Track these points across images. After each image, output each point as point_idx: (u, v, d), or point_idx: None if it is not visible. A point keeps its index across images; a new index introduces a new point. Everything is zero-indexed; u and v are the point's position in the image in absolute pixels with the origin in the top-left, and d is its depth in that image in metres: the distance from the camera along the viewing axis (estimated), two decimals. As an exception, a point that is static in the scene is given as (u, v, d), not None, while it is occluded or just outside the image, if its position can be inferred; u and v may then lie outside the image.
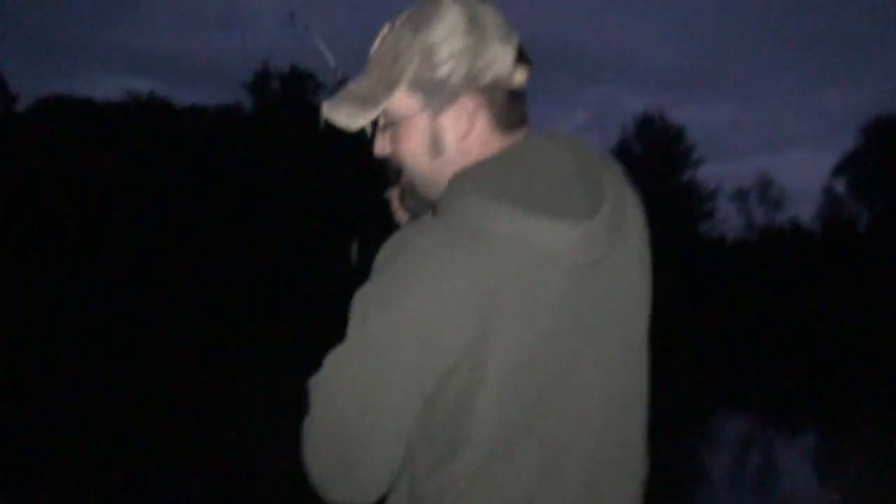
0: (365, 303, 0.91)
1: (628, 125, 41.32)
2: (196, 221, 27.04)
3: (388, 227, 1.60)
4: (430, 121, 1.02)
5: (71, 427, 6.84)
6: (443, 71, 0.98)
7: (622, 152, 37.73)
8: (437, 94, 1.00)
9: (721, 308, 26.58)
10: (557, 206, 0.94)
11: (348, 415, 0.91)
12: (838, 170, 37.96)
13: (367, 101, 1.02)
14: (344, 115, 1.03)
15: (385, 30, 1.03)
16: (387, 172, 1.67)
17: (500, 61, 0.99)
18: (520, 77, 1.01)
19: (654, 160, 37.41)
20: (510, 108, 1.02)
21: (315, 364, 0.95)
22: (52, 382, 9.07)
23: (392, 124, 1.05)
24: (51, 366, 10.28)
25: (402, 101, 1.01)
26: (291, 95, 33.77)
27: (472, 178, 0.97)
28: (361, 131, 1.71)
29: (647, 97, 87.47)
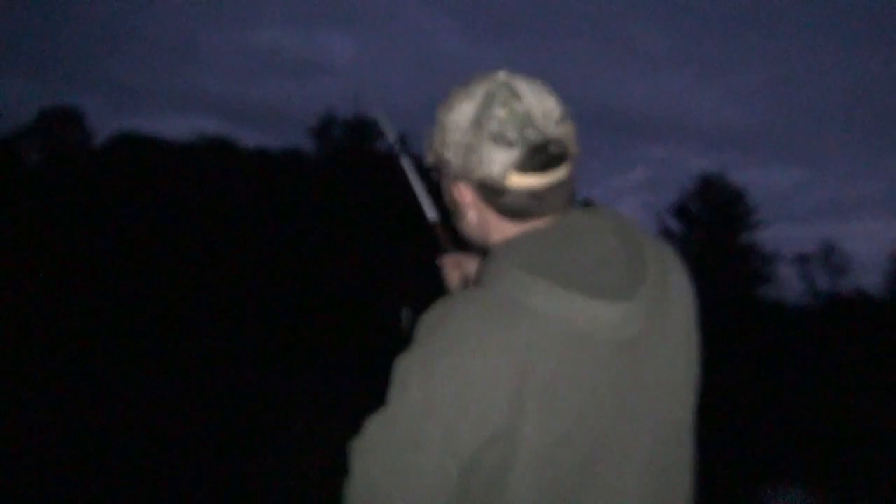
0: (405, 371, 0.94)
1: (687, 184, 40.96)
2: (256, 259, 27.56)
3: (439, 292, 1.67)
4: (450, 188, 1.10)
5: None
6: (447, 153, 1.06)
7: (680, 211, 37.43)
8: (444, 168, 1.08)
9: (777, 373, 25.74)
10: (597, 284, 0.95)
11: (380, 481, 0.92)
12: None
13: (427, 148, 1.12)
14: (424, 149, 1.13)
15: None
16: (440, 240, 1.76)
17: (491, 164, 1.01)
18: (520, 181, 1.01)
19: (714, 220, 36.89)
20: (519, 204, 1.03)
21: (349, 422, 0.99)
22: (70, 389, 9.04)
23: (438, 175, 1.14)
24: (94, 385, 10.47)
25: (437, 161, 1.11)
26: (354, 142, 34.46)
27: (514, 251, 0.99)
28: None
29: (708, 157, 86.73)
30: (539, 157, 1.00)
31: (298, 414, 8.41)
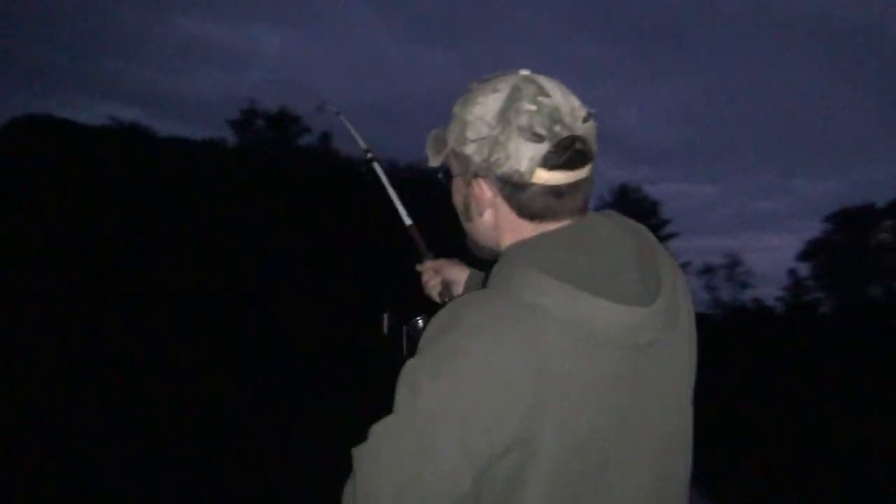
0: (415, 375, 0.89)
1: (605, 194, 42.23)
2: (169, 245, 26.63)
3: (418, 298, 1.65)
4: (465, 187, 1.07)
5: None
6: (467, 149, 1.03)
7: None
8: (463, 167, 1.05)
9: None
10: (615, 289, 0.93)
11: (386, 491, 0.86)
12: (803, 255, 38.99)
13: (434, 149, 1.10)
14: (429, 154, 1.11)
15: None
16: (417, 244, 1.77)
17: (521, 159, 0.99)
18: (546, 177, 1.00)
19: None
20: (541, 202, 1.02)
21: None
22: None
23: (444, 176, 1.13)
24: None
25: (451, 161, 1.09)
26: (276, 136, 33.78)
27: (530, 253, 0.97)
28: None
29: (627, 170, 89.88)
30: (566, 153, 0.99)
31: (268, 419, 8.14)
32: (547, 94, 1.00)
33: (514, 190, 1.01)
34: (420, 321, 1.52)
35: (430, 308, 1.53)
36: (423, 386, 0.87)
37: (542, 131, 0.98)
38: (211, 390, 9.00)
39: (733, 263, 41.25)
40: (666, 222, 41.09)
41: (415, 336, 1.49)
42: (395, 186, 1.86)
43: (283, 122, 34.85)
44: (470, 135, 1.01)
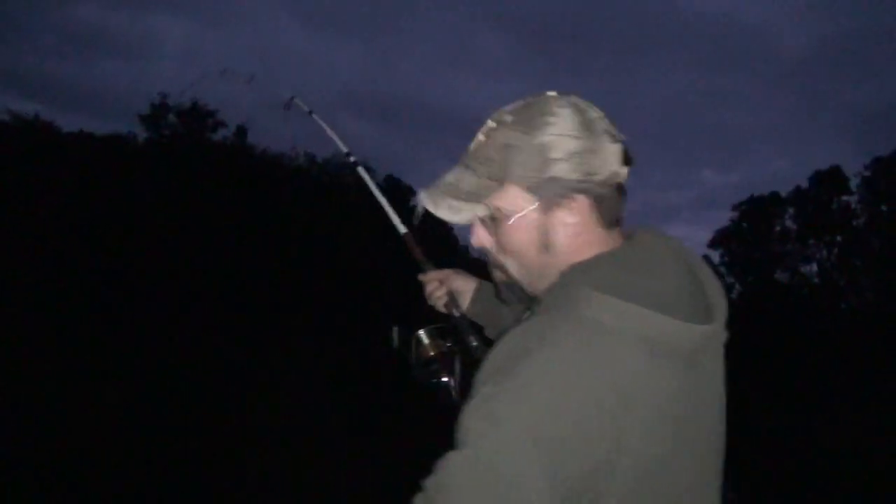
0: (494, 403, 0.85)
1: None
2: (76, 244, 25.57)
3: (423, 309, 1.63)
4: (541, 218, 1.02)
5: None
6: (556, 170, 0.99)
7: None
8: (549, 193, 1.00)
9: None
10: (678, 307, 0.94)
11: None
12: (713, 243, 40.62)
13: (472, 196, 1.02)
14: (446, 207, 1.03)
15: (490, 125, 1.03)
16: (414, 254, 1.71)
17: (612, 162, 1.01)
18: (623, 175, 1.04)
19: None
20: (617, 206, 1.05)
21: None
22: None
23: (498, 219, 1.03)
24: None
25: (514, 197, 1.01)
26: (189, 131, 32.88)
27: (592, 275, 0.97)
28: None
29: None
30: (627, 149, 1.04)
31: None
32: (589, 104, 1.04)
33: (605, 196, 1.02)
34: (423, 334, 1.50)
35: (433, 319, 1.55)
36: (504, 414, 0.83)
37: (614, 132, 1.03)
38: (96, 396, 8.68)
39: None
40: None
41: (420, 349, 1.48)
42: (387, 194, 1.77)
43: (197, 117, 33.95)
44: (556, 154, 0.98)
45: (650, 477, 0.89)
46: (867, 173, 35.90)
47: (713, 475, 1.03)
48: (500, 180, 1.01)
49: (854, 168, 46.69)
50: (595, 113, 1.03)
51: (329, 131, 2.00)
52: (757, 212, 38.86)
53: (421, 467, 0.87)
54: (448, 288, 1.62)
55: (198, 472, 6.01)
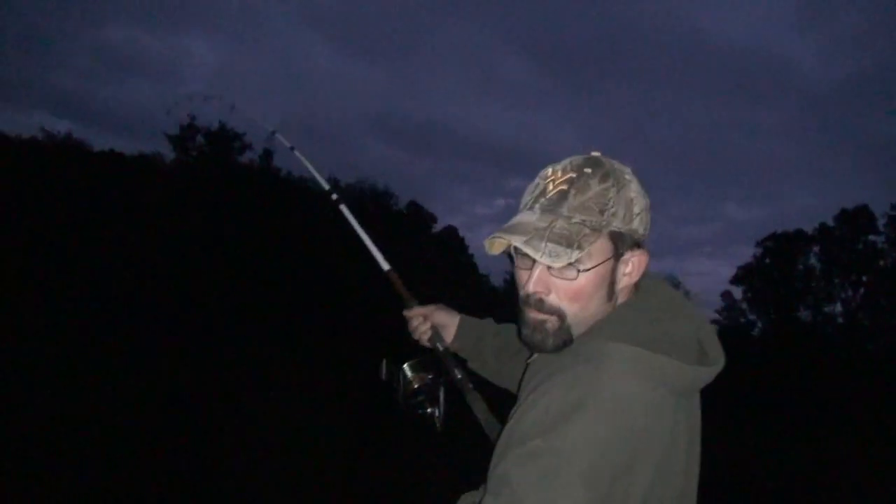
0: (545, 468, 0.92)
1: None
2: (104, 262, 25.87)
3: (409, 344, 1.68)
4: (614, 266, 1.10)
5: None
6: (634, 224, 1.09)
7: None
8: (626, 244, 1.09)
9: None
10: (687, 351, 1.07)
11: None
12: (735, 279, 40.12)
13: (572, 242, 1.03)
14: (548, 253, 1.02)
15: (571, 175, 1.08)
16: (398, 290, 1.74)
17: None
18: None
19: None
20: None
21: None
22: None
23: (584, 266, 1.07)
24: None
25: (603, 246, 1.08)
26: (216, 153, 33.31)
27: (621, 329, 1.06)
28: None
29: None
30: None
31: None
32: None
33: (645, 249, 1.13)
34: (407, 368, 1.55)
35: (418, 352, 1.61)
36: (554, 472, 0.91)
37: None
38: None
39: (673, 285, 42.30)
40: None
41: (405, 382, 1.54)
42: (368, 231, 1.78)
43: (225, 138, 34.41)
44: (636, 209, 1.08)
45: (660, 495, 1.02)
46: (894, 213, 35.42)
47: (695, 492, 1.14)
48: (596, 229, 1.06)
49: (881, 204, 46.01)
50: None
51: (311, 168, 2.01)
52: (781, 249, 38.43)
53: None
54: (432, 322, 1.67)
55: (195, 475, 6.12)
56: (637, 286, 1.16)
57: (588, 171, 1.07)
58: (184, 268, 26.89)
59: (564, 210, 1.06)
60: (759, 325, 39.40)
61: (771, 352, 31.25)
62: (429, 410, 1.52)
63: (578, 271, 1.07)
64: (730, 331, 38.59)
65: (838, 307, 37.63)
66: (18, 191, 26.95)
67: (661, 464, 0.99)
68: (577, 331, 1.11)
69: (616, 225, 1.07)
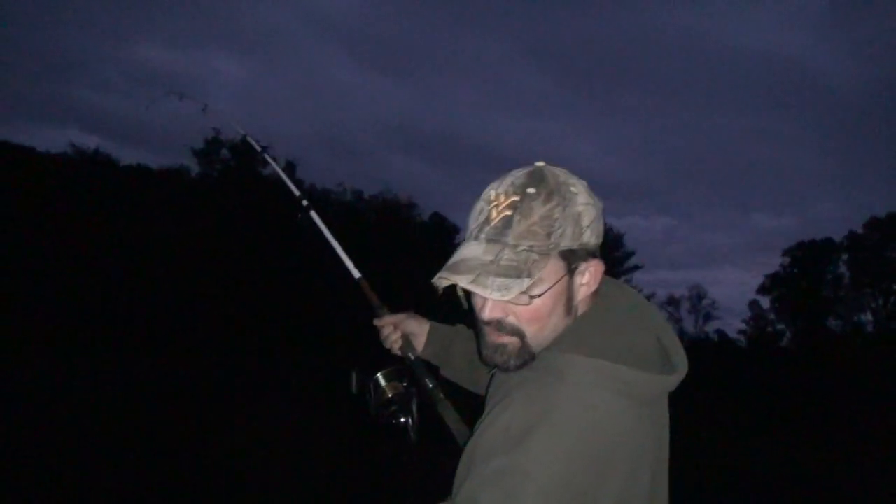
0: (510, 487, 0.91)
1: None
2: (133, 276, 26.26)
3: (380, 353, 1.66)
4: (569, 282, 1.07)
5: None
6: (585, 237, 1.05)
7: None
8: (578, 259, 1.06)
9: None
10: (649, 360, 1.06)
11: None
12: (763, 288, 39.64)
13: (521, 272, 1.00)
14: (496, 288, 0.99)
15: (513, 199, 1.05)
16: (369, 299, 1.72)
17: (602, 228, 1.12)
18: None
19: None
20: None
21: None
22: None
23: (537, 292, 1.04)
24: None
25: (554, 267, 1.04)
26: (240, 165, 33.71)
27: (580, 341, 1.05)
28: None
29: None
30: None
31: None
32: None
33: (600, 258, 1.11)
34: (380, 377, 1.53)
35: (389, 361, 1.58)
36: (519, 490, 0.91)
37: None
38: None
39: (698, 295, 41.89)
40: (630, 254, 41.64)
41: (378, 392, 1.52)
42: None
43: (248, 151, 34.78)
44: (585, 221, 1.05)
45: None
46: (925, 220, 34.77)
47: (667, 498, 1.12)
48: (545, 253, 1.02)
49: (911, 214, 45.04)
50: (583, 181, 1.12)
51: (281, 173, 1.99)
52: (808, 257, 37.90)
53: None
54: (402, 331, 1.66)
55: (189, 477, 6.21)
56: (597, 293, 1.12)
57: (531, 191, 1.04)
58: (204, 274, 27.18)
59: (510, 238, 1.02)
60: (788, 334, 38.81)
61: (800, 361, 30.76)
62: (402, 420, 1.49)
63: (531, 297, 1.04)
64: (757, 340, 38.07)
65: (868, 316, 37.00)
66: (50, 203, 27.51)
67: (628, 475, 0.98)
68: (539, 347, 1.09)
69: (565, 244, 1.03)
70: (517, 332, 1.07)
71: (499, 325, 1.08)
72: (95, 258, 26.54)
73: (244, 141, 2.15)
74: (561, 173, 1.08)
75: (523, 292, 1.02)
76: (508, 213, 1.04)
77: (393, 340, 1.67)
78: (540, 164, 1.10)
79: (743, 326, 40.49)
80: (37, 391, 10.69)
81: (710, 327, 41.36)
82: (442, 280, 1.03)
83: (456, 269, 1.03)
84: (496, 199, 1.06)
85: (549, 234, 1.02)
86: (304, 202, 1.90)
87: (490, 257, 1.02)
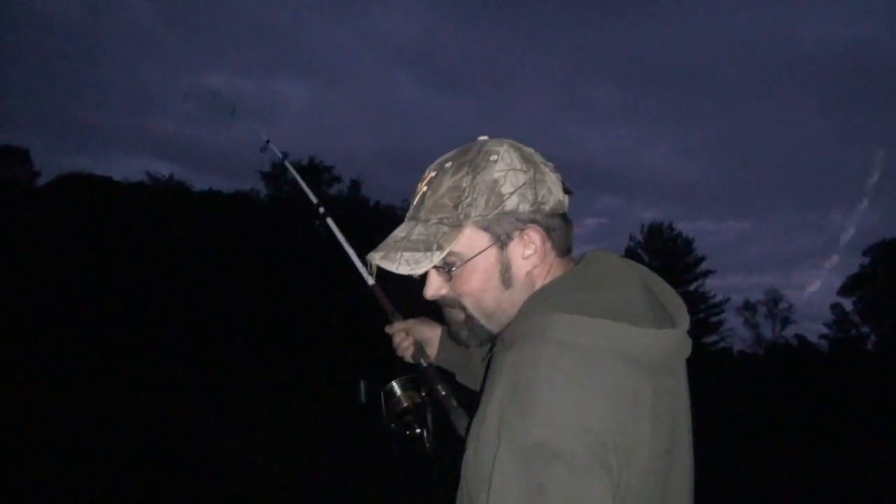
0: (522, 443, 0.85)
1: (637, 233, 41.79)
2: (207, 303, 27.08)
3: (391, 361, 1.61)
4: (499, 254, 1.03)
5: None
6: (509, 204, 1.00)
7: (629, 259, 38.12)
8: (504, 228, 1.01)
9: (724, 417, 25.92)
10: (641, 315, 0.97)
11: None
12: (844, 290, 37.95)
13: (431, 245, 0.99)
14: (405, 262, 1.00)
15: (431, 174, 1.05)
16: (383, 305, 1.68)
17: (556, 190, 1.05)
18: (565, 203, 1.07)
19: (663, 268, 37.60)
20: (567, 235, 1.07)
21: None
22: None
23: (454, 263, 1.03)
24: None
25: (471, 238, 1.01)
26: (309, 185, 34.45)
27: (552, 300, 0.98)
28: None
29: (656, 209, 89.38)
30: (563, 179, 1.09)
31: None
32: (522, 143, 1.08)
33: (555, 224, 1.04)
34: (395, 385, 1.47)
35: (402, 370, 1.52)
36: (549, 444, 0.83)
37: (550, 164, 1.07)
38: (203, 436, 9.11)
39: (774, 299, 40.45)
40: (701, 259, 40.52)
41: (392, 401, 1.44)
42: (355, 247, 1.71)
43: (315, 172, 35.59)
44: (507, 189, 1.00)
45: (645, 476, 0.90)
46: None
47: (691, 480, 1.05)
48: (456, 225, 1.00)
49: None
50: (529, 148, 1.06)
51: (300, 180, 1.99)
52: (891, 256, 36.11)
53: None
54: (414, 337, 1.61)
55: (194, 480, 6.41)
56: (572, 263, 1.08)
57: (448, 164, 1.03)
58: (262, 292, 27.82)
59: (422, 214, 1.03)
60: (873, 337, 37.01)
61: (887, 365, 29.24)
62: (417, 431, 1.41)
63: (450, 271, 1.03)
64: (841, 344, 36.46)
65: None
66: (129, 230, 28.74)
67: (631, 446, 0.88)
68: (491, 321, 1.06)
69: (478, 213, 0.99)
70: (459, 305, 1.07)
71: (442, 300, 1.08)
72: (175, 281, 27.51)
73: (266, 148, 2.17)
74: (490, 143, 1.04)
75: (440, 266, 1.02)
76: (425, 189, 1.04)
77: (405, 347, 1.62)
78: (483, 137, 1.07)
79: (824, 330, 38.81)
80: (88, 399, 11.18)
81: (789, 332, 39.80)
82: (368, 259, 1.05)
83: (377, 248, 1.04)
84: (423, 178, 1.07)
85: (456, 206, 1.00)
86: (322, 209, 1.91)
87: (403, 234, 1.03)
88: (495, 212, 1.00)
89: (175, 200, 32.54)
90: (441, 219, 1.01)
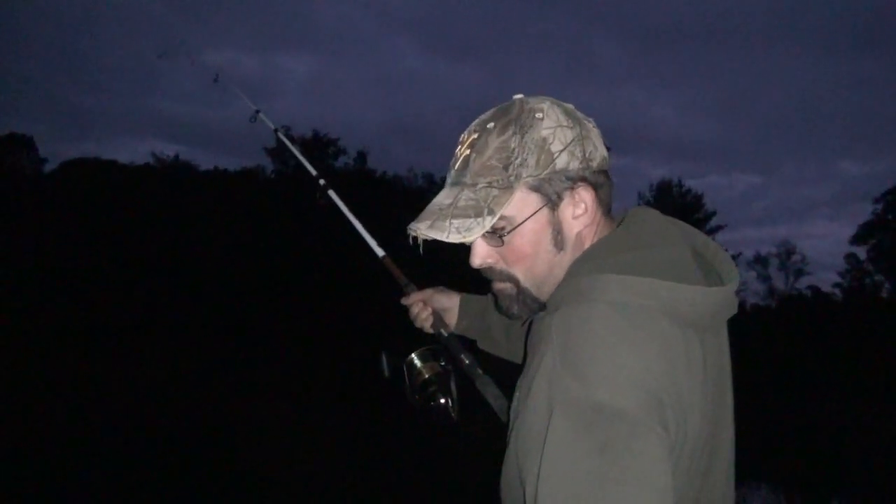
0: (578, 407, 0.81)
1: (646, 191, 41.61)
2: (215, 280, 27.21)
3: (410, 333, 1.57)
4: (551, 215, 0.99)
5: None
6: (559, 163, 0.96)
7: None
8: (556, 187, 0.97)
9: (741, 372, 25.98)
10: (689, 274, 0.94)
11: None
12: (857, 238, 37.68)
13: (481, 210, 0.95)
14: (455, 230, 0.95)
15: (473, 137, 1.00)
16: (395, 276, 1.62)
17: (600, 145, 1.01)
18: (609, 160, 1.03)
19: (672, 226, 37.36)
20: (610, 191, 1.03)
21: None
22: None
23: (504, 228, 0.98)
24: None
25: (522, 200, 0.97)
26: (312, 159, 34.39)
27: (599, 261, 0.95)
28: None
29: (665, 167, 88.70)
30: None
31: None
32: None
33: (602, 181, 1.00)
34: (415, 357, 1.43)
35: (421, 341, 1.47)
36: (609, 403, 0.80)
37: (591, 119, 1.03)
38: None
39: (787, 252, 40.24)
40: (712, 214, 40.32)
41: (413, 373, 1.41)
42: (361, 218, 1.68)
43: (320, 145, 35.48)
44: (556, 147, 0.96)
45: (695, 445, 0.89)
46: None
47: (733, 441, 1.03)
48: (507, 187, 0.96)
49: None
50: (569, 104, 1.02)
51: (296, 152, 1.93)
52: (904, 202, 35.76)
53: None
54: (432, 307, 1.56)
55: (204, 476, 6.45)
56: (613, 222, 1.04)
57: (490, 125, 0.98)
58: (286, 269, 27.92)
59: (468, 178, 0.98)
60: (887, 285, 36.83)
61: (902, 312, 29.18)
62: (441, 401, 1.37)
63: (502, 236, 0.98)
64: (855, 293, 36.33)
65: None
66: (135, 212, 28.83)
67: (687, 404, 0.86)
68: (542, 287, 1.02)
69: (529, 173, 0.96)
70: (509, 278, 1.03)
71: (491, 272, 1.03)
72: (184, 259, 27.64)
73: (256, 118, 2.09)
74: (532, 101, 0.99)
75: (490, 231, 0.97)
76: (468, 152, 0.99)
77: (423, 318, 1.57)
78: (518, 96, 1.01)
79: (838, 280, 38.65)
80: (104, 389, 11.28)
81: (802, 283, 39.64)
82: (410, 231, 0.99)
83: (419, 218, 0.99)
84: (461, 140, 1.01)
85: (506, 167, 0.96)
86: (322, 181, 1.84)
87: (449, 200, 0.98)
88: (546, 171, 0.96)
89: (181, 181, 32.56)
90: (490, 182, 0.96)
